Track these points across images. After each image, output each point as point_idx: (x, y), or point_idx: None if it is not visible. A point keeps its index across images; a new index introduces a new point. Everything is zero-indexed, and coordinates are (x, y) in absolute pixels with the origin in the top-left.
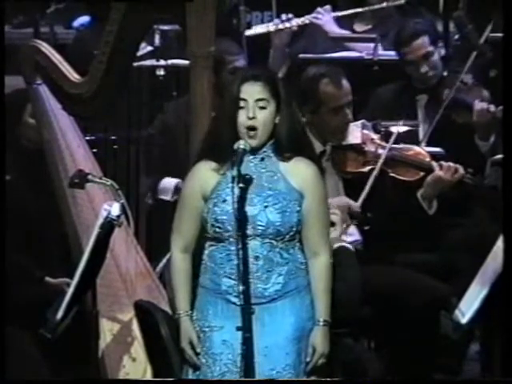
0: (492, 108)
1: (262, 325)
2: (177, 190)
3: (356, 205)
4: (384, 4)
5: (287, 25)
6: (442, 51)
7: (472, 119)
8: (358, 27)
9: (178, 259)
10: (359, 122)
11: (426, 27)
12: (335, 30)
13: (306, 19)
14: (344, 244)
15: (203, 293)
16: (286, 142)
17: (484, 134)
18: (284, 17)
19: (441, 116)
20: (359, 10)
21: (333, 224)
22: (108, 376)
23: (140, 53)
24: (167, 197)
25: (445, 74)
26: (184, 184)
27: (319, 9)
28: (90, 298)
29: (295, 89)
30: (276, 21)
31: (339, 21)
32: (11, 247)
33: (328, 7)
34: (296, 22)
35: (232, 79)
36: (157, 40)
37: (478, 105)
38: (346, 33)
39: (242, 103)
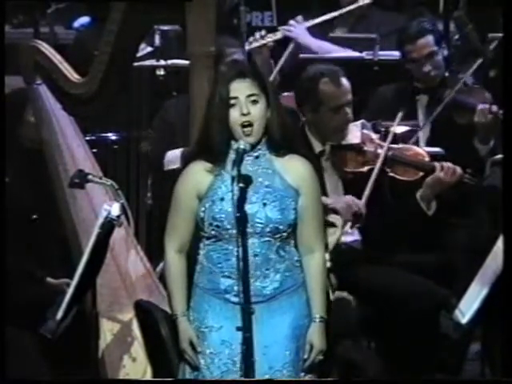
0: (494, 109)
1: (261, 324)
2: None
3: (361, 203)
4: (355, 5)
5: (262, 42)
6: (445, 52)
7: (473, 120)
8: (338, 32)
9: (174, 259)
10: (359, 122)
11: (431, 27)
12: (309, 40)
13: (278, 34)
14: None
15: (200, 293)
16: (279, 137)
17: (484, 136)
18: (258, 34)
19: (441, 117)
20: (331, 14)
21: (333, 225)
22: (108, 376)
23: (140, 53)
24: (175, 166)
25: (446, 74)
26: (177, 184)
27: (291, 21)
28: (89, 297)
29: (296, 89)
30: (250, 39)
31: (314, 29)
32: (11, 247)
33: (299, 18)
34: (270, 37)
35: (218, 78)
36: (157, 40)
37: (481, 106)
38: (341, 34)
39: (232, 101)
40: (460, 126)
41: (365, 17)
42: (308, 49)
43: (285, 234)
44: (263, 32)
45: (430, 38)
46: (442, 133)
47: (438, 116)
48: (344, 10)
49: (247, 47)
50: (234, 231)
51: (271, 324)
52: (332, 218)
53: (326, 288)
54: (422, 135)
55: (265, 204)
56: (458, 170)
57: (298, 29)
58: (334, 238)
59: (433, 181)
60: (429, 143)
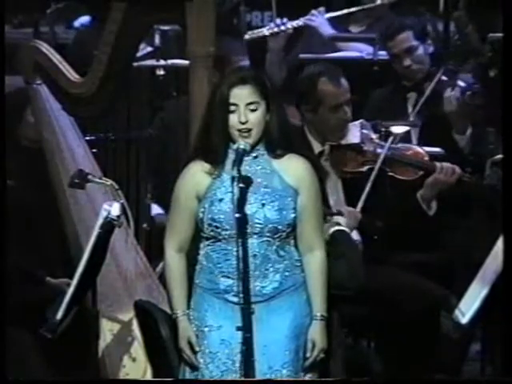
0: (457, 94)
1: (260, 323)
2: None
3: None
4: (377, 2)
5: (282, 28)
6: (430, 48)
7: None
8: (353, 29)
9: (173, 259)
10: (358, 122)
11: (412, 23)
12: (329, 31)
13: (300, 21)
14: (340, 228)
15: (200, 293)
16: (277, 139)
17: (459, 125)
18: (279, 21)
19: (425, 111)
20: (352, 9)
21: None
22: (108, 376)
23: (140, 53)
24: None
25: (433, 68)
26: (177, 184)
27: (313, 11)
28: (90, 298)
29: (295, 88)
30: (271, 25)
31: (334, 22)
32: (11, 247)
33: (322, 9)
34: (291, 24)
35: (220, 83)
36: (157, 40)
37: (446, 93)
38: (341, 34)
39: (232, 107)
40: (438, 118)
41: (381, 18)
42: (326, 39)
43: (284, 233)
44: (285, 19)
45: (409, 34)
46: (430, 128)
47: (425, 111)
48: (364, 7)
49: (267, 32)
50: (233, 232)
51: (271, 324)
52: (337, 218)
53: (326, 286)
54: (414, 132)
55: (263, 204)
56: (457, 169)
57: (320, 18)
58: None
59: (433, 181)
60: (420, 139)
